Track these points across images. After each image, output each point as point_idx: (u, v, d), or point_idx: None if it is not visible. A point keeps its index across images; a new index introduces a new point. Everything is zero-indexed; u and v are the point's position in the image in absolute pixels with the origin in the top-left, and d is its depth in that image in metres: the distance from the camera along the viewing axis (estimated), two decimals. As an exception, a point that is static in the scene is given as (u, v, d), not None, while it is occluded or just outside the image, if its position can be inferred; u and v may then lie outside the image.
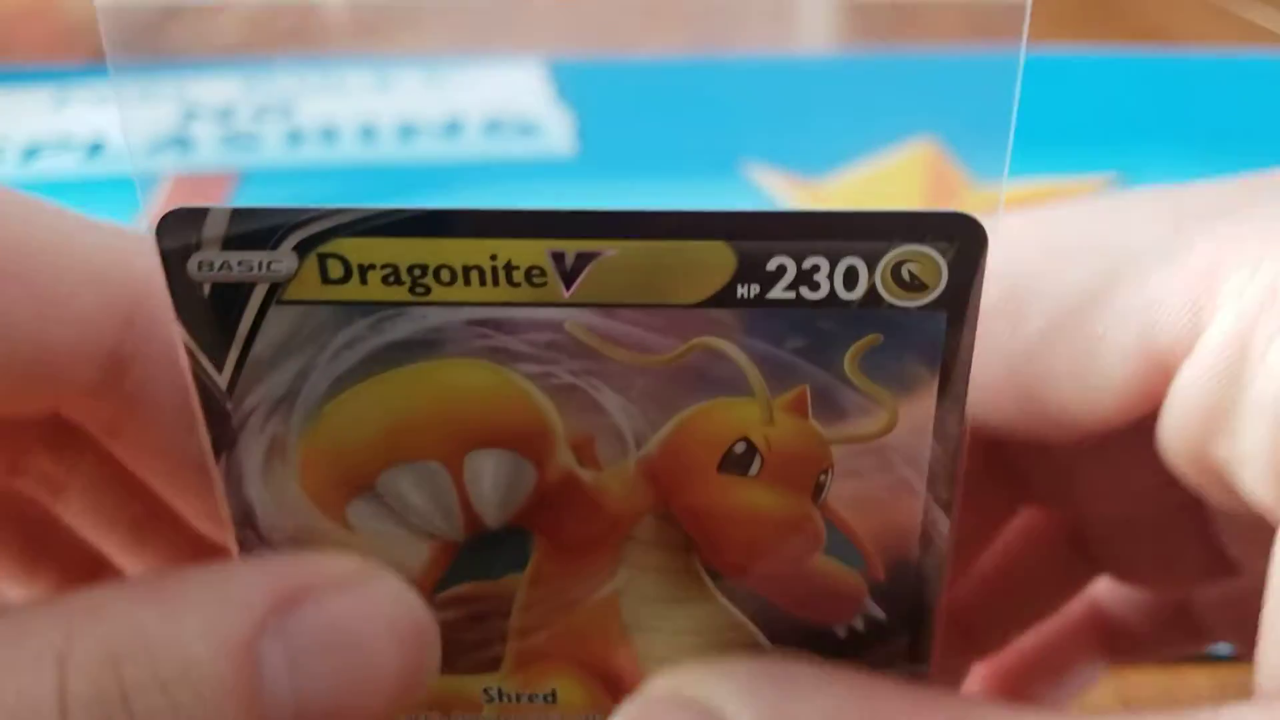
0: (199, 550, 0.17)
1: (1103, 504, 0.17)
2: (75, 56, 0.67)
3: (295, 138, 0.49)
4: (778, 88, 0.58)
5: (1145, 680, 0.24)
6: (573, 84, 0.58)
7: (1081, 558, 0.19)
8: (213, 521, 0.15)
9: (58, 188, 0.47)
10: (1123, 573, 0.19)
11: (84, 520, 0.17)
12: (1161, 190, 0.15)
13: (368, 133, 0.49)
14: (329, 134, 0.49)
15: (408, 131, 0.50)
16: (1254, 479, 0.12)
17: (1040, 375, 0.14)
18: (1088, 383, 0.14)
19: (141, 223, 0.13)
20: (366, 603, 0.13)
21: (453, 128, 0.50)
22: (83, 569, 0.18)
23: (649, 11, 0.77)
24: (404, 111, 0.51)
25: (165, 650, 0.11)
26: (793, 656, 0.14)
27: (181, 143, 0.51)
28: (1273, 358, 0.12)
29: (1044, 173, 0.47)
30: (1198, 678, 0.24)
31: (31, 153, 0.50)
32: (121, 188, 0.49)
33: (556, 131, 0.50)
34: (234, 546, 0.14)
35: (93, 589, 0.12)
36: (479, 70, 0.60)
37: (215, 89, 0.57)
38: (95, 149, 0.50)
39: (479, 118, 0.52)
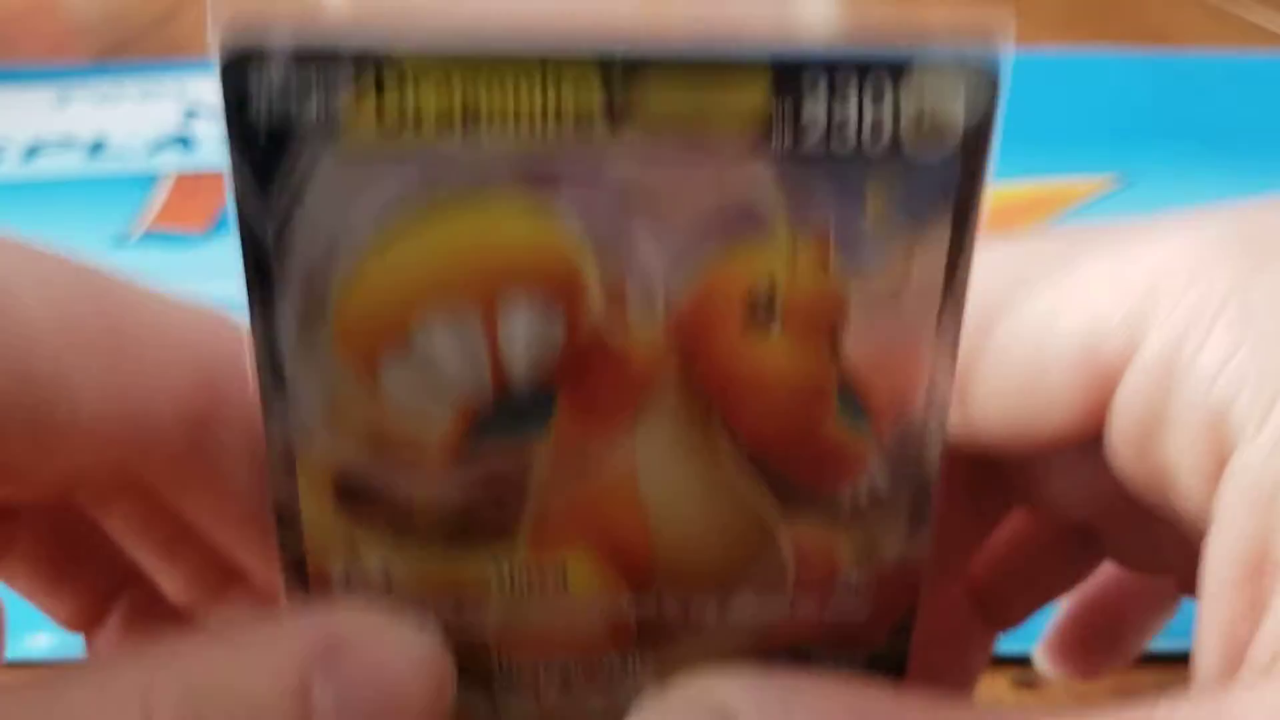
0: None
1: (1074, 508, 0.18)
2: (77, 56, 0.68)
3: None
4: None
5: (1145, 678, 0.24)
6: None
7: (1083, 543, 0.20)
8: (275, 571, 0.16)
9: (59, 187, 0.47)
10: (1120, 559, 0.20)
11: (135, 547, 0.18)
12: (1112, 222, 0.16)
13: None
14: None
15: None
16: (1185, 483, 0.14)
17: (996, 389, 0.15)
18: (1037, 397, 0.15)
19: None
20: (397, 646, 0.15)
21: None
22: (111, 585, 0.19)
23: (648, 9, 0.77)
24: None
25: (236, 693, 0.13)
26: (792, 666, 0.15)
27: (182, 142, 0.51)
28: (1195, 372, 0.13)
29: (1044, 173, 0.47)
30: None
31: (33, 152, 0.50)
32: (122, 187, 0.49)
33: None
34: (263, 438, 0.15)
35: (169, 639, 0.14)
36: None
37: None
38: (97, 148, 0.51)
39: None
